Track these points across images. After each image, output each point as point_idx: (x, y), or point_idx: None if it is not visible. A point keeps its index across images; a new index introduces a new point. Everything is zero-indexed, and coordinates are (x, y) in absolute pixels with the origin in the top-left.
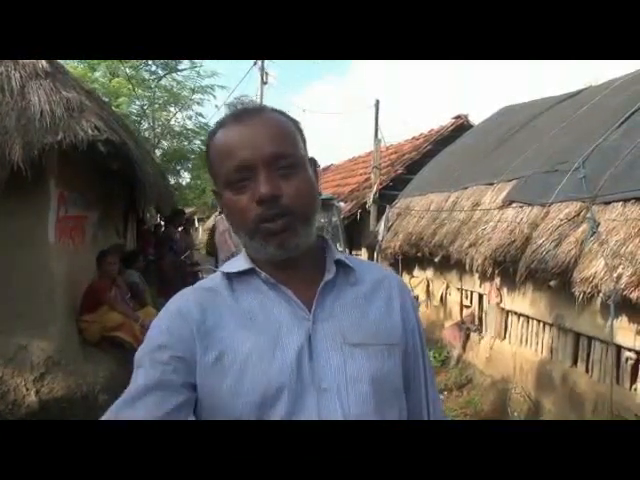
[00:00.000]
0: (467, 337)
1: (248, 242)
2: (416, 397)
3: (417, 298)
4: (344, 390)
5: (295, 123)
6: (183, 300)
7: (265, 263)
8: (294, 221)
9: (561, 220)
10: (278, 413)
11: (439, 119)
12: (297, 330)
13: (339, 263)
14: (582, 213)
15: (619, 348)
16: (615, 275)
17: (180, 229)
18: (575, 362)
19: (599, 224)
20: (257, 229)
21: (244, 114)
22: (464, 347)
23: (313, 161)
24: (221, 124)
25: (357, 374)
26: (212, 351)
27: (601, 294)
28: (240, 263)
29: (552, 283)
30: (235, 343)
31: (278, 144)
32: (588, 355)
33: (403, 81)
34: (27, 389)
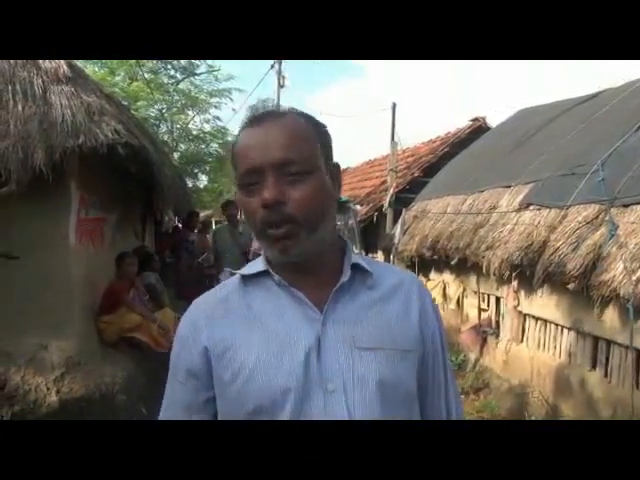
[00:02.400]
0: (484, 341)
1: (259, 242)
2: (435, 402)
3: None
4: (351, 392)
5: (317, 127)
6: (193, 314)
7: (280, 265)
8: (297, 229)
9: (579, 223)
10: (285, 414)
11: (457, 122)
12: (307, 331)
13: (356, 266)
14: (600, 216)
15: (639, 352)
16: (634, 278)
17: (196, 231)
18: (594, 366)
19: (618, 227)
20: (262, 233)
21: (261, 117)
22: (481, 351)
23: (336, 166)
24: (243, 126)
25: (365, 377)
26: (223, 359)
27: (620, 298)
28: (257, 265)
29: (570, 286)
30: (244, 349)
31: (288, 150)
32: (607, 359)
33: (420, 84)
34: (48, 389)
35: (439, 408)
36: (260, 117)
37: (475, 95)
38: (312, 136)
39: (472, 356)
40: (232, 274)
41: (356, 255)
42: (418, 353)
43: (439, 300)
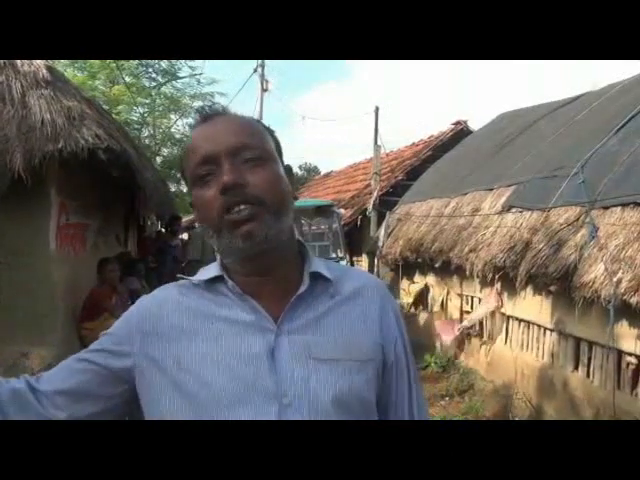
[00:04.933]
0: (466, 342)
1: (216, 241)
2: (400, 411)
3: (415, 304)
4: (306, 405)
5: (267, 128)
6: (145, 302)
7: (237, 272)
8: (261, 211)
9: (561, 225)
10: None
11: (439, 125)
12: (260, 341)
13: (317, 275)
14: (581, 218)
15: (620, 353)
16: (615, 280)
17: (183, 236)
18: (576, 367)
19: (598, 229)
20: (222, 221)
21: (210, 115)
22: (460, 347)
23: (289, 168)
24: (192, 126)
25: (320, 390)
26: (168, 355)
27: (601, 299)
28: (211, 270)
29: (552, 288)
30: (192, 350)
31: (242, 136)
32: (589, 360)
33: (403, 87)
34: None
35: (402, 417)
36: (208, 115)
37: (460, 98)
38: (263, 131)
39: (446, 346)
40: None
41: (318, 261)
42: (377, 362)
43: (423, 303)
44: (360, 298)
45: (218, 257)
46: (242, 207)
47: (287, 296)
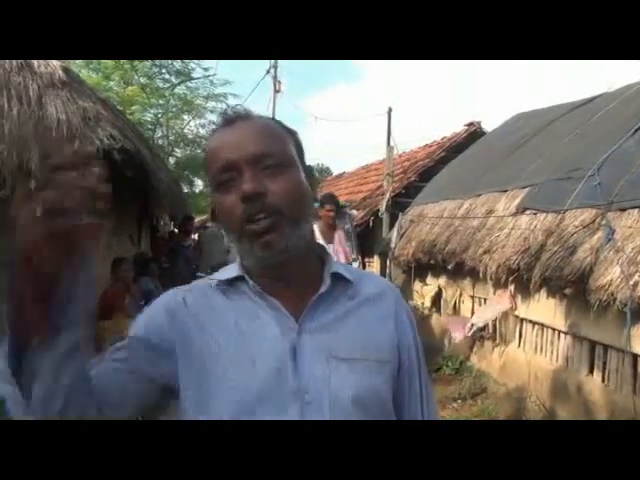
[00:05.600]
0: (478, 344)
1: (238, 246)
2: (412, 414)
3: (430, 307)
4: (327, 404)
5: (289, 130)
6: (171, 296)
7: (258, 273)
8: (280, 221)
9: (576, 227)
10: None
11: (452, 126)
12: (281, 340)
13: (337, 275)
14: (597, 220)
15: (636, 357)
16: (631, 283)
17: (195, 236)
18: (591, 371)
19: (615, 231)
20: (243, 230)
21: (232, 119)
22: (471, 348)
23: (309, 170)
24: (214, 129)
25: (341, 388)
26: (193, 354)
27: (617, 302)
28: (231, 270)
29: (567, 291)
30: (216, 349)
31: (263, 143)
32: (604, 364)
33: (415, 88)
34: None
35: (415, 418)
36: (231, 119)
37: (472, 99)
38: (284, 135)
39: (454, 343)
40: (208, 278)
41: (337, 263)
42: (394, 364)
43: (435, 305)
44: (378, 302)
45: (238, 258)
46: (262, 217)
47: (307, 296)
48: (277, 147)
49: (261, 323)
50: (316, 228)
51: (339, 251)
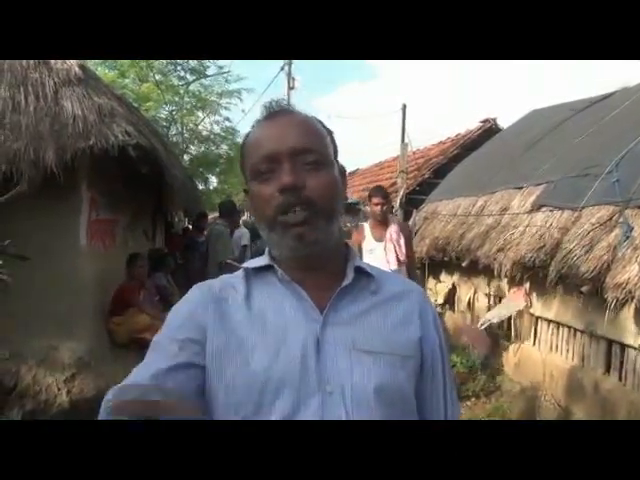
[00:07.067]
0: (493, 341)
1: (268, 235)
2: (434, 409)
3: (443, 304)
4: (349, 395)
5: (327, 128)
6: (201, 290)
7: (285, 263)
8: (314, 215)
9: (593, 224)
10: (279, 411)
11: (467, 123)
12: (305, 330)
13: (360, 270)
14: (615, 217)
15: None
16: None
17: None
18: (608, 370)
19: (632, 228)
20: (276, 220)
21: (275, 113)
22: (492, 351)
23: (342, 170)
24: (255, 123)
25: (363, 380)
26: (220, 340)
27: (635, 300)
28: (261, 260)
29: (583, 289)
30: (242, 335)
31: (305, 139)
32: (621, 363)
33: (431, 85)
34: (58, 389)
35: (437, 415)
36: (274, 113)
37: (486, 96)
38: (323, 133)
39: (487, 359)
40: (234, 266)
41: (359, 260)
42: (417, 360)
43: (449, 302)
44: (402, 301)
45: (267, 249)
46: (297, 209)
47: (332, 288)
48: (317, 144)
49: (287, 313)
50: (366, 227)
51: (389, 250)
